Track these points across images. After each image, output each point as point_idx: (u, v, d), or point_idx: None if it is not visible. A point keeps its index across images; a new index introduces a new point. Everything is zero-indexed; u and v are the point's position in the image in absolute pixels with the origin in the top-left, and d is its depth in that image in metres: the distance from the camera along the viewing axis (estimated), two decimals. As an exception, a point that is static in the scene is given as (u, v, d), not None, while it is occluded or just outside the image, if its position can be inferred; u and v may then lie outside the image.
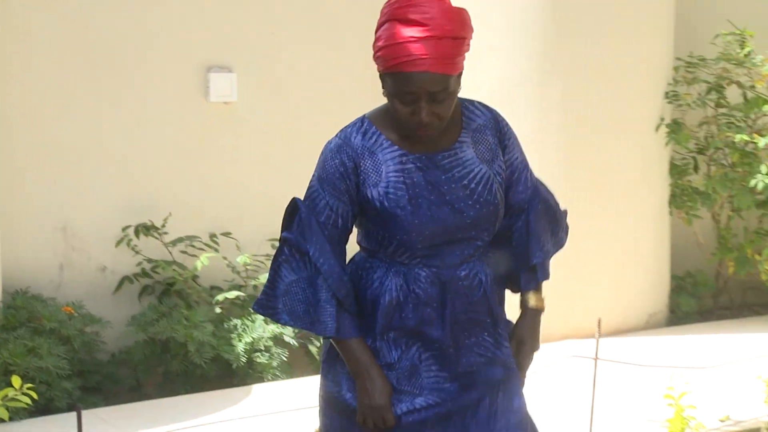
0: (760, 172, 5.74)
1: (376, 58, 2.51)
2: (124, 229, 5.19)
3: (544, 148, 5.38)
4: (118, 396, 4.89)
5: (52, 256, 5.14)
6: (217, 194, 5.43)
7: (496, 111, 2.70)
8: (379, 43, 2.50)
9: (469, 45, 2.53)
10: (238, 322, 5.04)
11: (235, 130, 5.45)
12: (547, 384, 4.68)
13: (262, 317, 5.04)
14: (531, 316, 2.71)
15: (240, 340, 4.94)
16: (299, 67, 5.57)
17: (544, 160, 5.33)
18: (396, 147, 2.57)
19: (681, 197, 5.99)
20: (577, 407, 4.43)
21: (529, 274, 2.71)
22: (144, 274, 5.24)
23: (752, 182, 5.76)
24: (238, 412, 4.56)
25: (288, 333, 5.05)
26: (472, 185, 2.58)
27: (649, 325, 5.86)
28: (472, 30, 2.53)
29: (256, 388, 4.88)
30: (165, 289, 5.21)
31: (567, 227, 2.80)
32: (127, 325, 5.02)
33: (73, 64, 5.12)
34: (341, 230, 2.59)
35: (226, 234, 5.37)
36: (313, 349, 5.15)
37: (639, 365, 4.98)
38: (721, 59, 6.02)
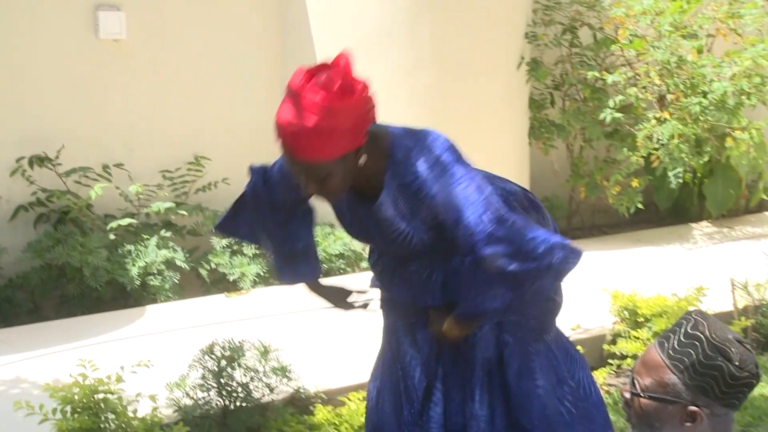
0: (608, 107, 5.91)
1: None
2: (18, 160, 5.06)
3: (416, 84, 5.43)
4: (16, 318, 4.82)
5: (-52, 187, 4.99)
6: (108, 127, 5.32)
7: (412, 174, 2.39)
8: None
9: (352, 132, 2.29)
10: (131, 247, 4.99)
11: (126, 66, 5.34)
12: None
13: (154, 243, 5.00)
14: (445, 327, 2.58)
15: (134, 265, 4.91)
16: (188, 7, 5.46)
17: (417, 96, 5.40)
18: None
19: (539, 129, 6.13)
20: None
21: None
22: (39, 203, 5.14)
23: (601, 115, 5.93)
24: (132, 331, 4.55)
25: (179, 258, 5.03)
26: (392, 238, 2.48)
27: (509, 245, 5.99)
28: (357, 117, 2.29)
29: (150, 308, 4.86)
30: (60, 217, 5.12)
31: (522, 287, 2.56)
32: (24, 252, 4.92)
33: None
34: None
35: (119, 165, 5.28)
36: (203, 272, 5.14)
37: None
38: (574, 3, 6.13)
